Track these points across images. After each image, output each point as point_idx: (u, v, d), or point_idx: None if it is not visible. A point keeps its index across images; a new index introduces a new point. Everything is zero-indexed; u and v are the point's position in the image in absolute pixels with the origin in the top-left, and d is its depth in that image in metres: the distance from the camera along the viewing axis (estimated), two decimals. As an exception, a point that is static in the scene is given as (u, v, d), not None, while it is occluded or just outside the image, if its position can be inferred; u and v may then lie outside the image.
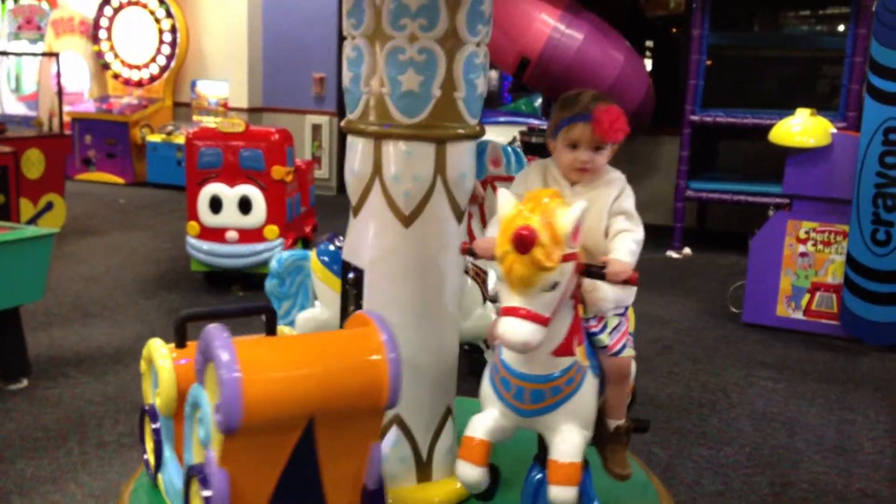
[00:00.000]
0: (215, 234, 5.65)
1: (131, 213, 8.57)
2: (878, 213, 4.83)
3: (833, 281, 5.14)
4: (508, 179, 2.95)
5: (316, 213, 6.68)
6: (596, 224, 2.16)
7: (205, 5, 10.80)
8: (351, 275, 2.56)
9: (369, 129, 2.43)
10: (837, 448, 3.67)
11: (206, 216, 5.64)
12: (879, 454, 3.63)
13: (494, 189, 2.91)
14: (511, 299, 1.92)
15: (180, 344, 2.37)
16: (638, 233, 2.15)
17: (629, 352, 2.26)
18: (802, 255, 5.20)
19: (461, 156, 2.48)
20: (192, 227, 5.66)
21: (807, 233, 5.18)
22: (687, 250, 7.57)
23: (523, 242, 1.87)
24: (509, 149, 3.20)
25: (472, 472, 2.16)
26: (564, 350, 2.08)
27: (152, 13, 10.61)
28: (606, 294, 2.17)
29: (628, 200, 2.20)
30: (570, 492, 2.09)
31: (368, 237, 2.49)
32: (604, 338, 2.21)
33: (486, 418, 2.19)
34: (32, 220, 6.78)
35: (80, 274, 6.06)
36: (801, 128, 5.16)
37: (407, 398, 2.48)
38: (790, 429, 3.85)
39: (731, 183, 7.48)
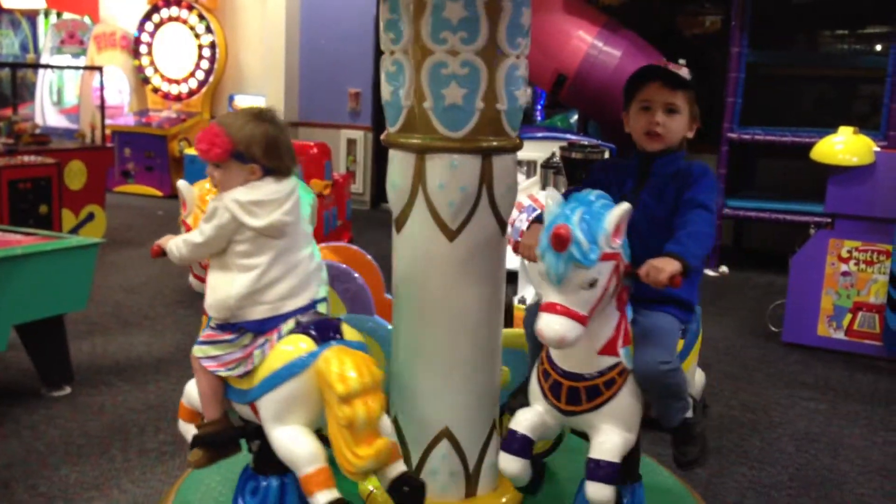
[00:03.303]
0: (253, 246, 5.69)
1: (169, 225, 8.65)
2: (922, 233, 4.77)
3: (876, 301, 5.06)
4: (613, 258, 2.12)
5: (351, 226, 6.72)
6: None
7: (244, 21, 10.96)
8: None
9: (412, 142, 2.44)
10: (882, 470, 3.61)
11: (245, 228, 5.69)
12: (926, 477, 3.56)
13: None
14: None
15: None
16: (188, 237, 2.38)
17: (196, 350, 2.35)
18: (844, 274, 5.13)
19: (506, 168, 2.49)
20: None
21: (849, 252, 5.11)
22: (724, 268, 7.50)
23: None
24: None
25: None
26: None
27: (192, 28, 10.79)
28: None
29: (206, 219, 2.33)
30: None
31: (412, 249, 2.52)
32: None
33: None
34: (74, 231, 6.89)
35: (119, 284, 6.14)
36: (844, 146, 5.10)
37: (456, 411, 2.48)
38: (834, 450, 3.79)
39: (769, 201, 7.42)
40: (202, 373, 2.37)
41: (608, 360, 2.15)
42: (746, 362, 5.00)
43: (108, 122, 9.04)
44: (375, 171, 10.17)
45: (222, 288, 2.34)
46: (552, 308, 2.00)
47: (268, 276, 2.32)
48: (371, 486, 2.55)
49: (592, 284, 2.00)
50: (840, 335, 5.18)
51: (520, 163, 5.15)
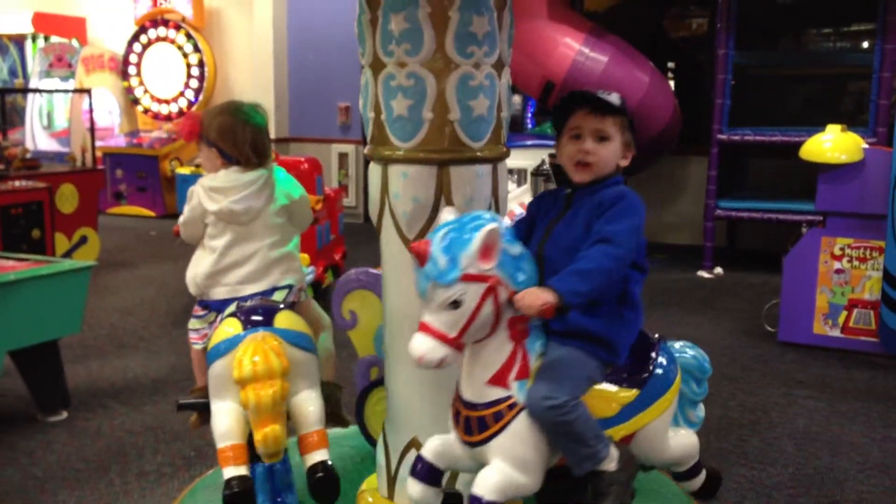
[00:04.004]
0: (247, 264, 5.68)
1: (163, 245, 8.66)
2: (913, 228, 4.78)
3: (870, 297, 5.07)
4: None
5: (344, 240, 6.72)
6: None
7: (231, 39, 10.98)
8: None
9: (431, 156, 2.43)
10: (882, 466, 3.60)
11: (238, 246, 5.69)
12: (926, 472, 3.56)
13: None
14: None
15: None
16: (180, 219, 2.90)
17: (189, 323, 2.79)
18: (838, 271, 5.14)
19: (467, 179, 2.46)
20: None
21: (842, 249, 5.12)
22: (718, 270, 7.51)
23: None
24: None
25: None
26: None
27: (180, 48, 10.80)
28: None
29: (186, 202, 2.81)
30: None
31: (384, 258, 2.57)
32: None
33: None
34: (67, 254, 6.88)
35: (114, 306, 6.13)
36: (833, 144, 5.12)
37: (424, 422, 2.48)
38: (833, 448, 3.79)
39: (761, 201, 7.44)
40: (190, 344, 2.78)
41: (497, 392, 2.06)
42: (744, 363, 5.00)
43: (98, 143, 9.04)
44: (368, 184, 10.17)
45: (194, 265, 2.73)
46: (421, 326, 1.98)
47: (226, 259, 2.65)
48: (364, 485, 2.58)
49: (456, 305, 1.95)
50: (836, 333, 5.19)
51: (510, 171, 5.16)
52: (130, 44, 11.05)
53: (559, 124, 2.28)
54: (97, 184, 7.59)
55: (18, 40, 12.22)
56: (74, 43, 11.52)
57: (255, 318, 2.41)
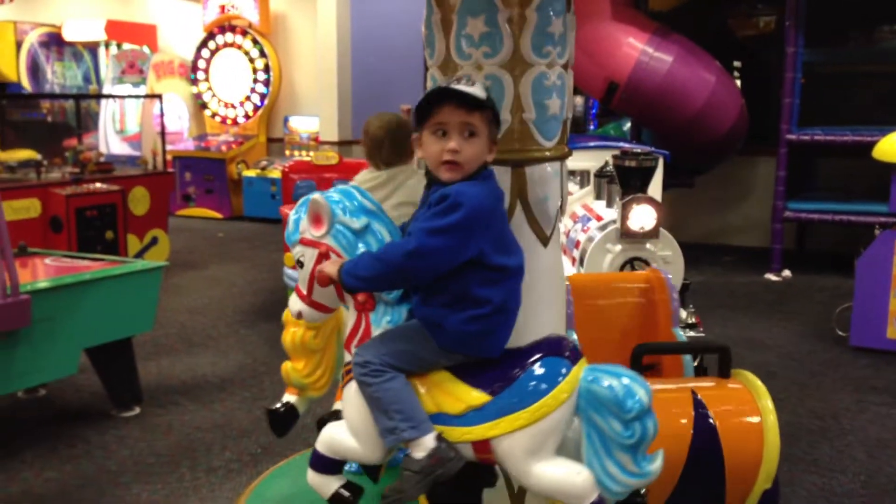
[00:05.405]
0: (312, 265, 5.78)
1: (230, 247, 8.84)
2: None
3: (947, 301, 4.91)
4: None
5: (408, 242, 6.78)
6: None
7: (296, 44, 11.17)
8: None
9: None
10: (960, 476, 3.49)
11: (303, 247, 5.80)
12: None
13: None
14: None
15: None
16: None
17: None
18: (913, 274, 4.99)
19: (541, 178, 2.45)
20: (289, 257, 5.81)
21: (917, 251, 4.97)
22: (786, 272, 7.35)
23: None
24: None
25: None
26: None
27: (247, 53, 11.01)
28: None
29: None
30: None
31: None
32: None
33: None
34: (139, 255, 7.07)
35: (184, 306, 6.28)
36: (907, 143, 4.98)
37: None
38: (908, 456, 3.69)
39: (831, 202, 7.26)
40: None
41: (348, 356, 2.16)
42: (814, 368, 4.89)
43: (168, 147, 9.27)
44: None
45: None
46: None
47: None
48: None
49: (301, 265, 2.14)
50: (911, 338, 5.03)
51: (573, 172, 5.13)
52: (199, 50, 11.31)
53: (421, 122, 2.11)
54: (168, 186, 7.79)
55: (92, 47, 12.63)
56: (146, 49, 11.85)
57: None
